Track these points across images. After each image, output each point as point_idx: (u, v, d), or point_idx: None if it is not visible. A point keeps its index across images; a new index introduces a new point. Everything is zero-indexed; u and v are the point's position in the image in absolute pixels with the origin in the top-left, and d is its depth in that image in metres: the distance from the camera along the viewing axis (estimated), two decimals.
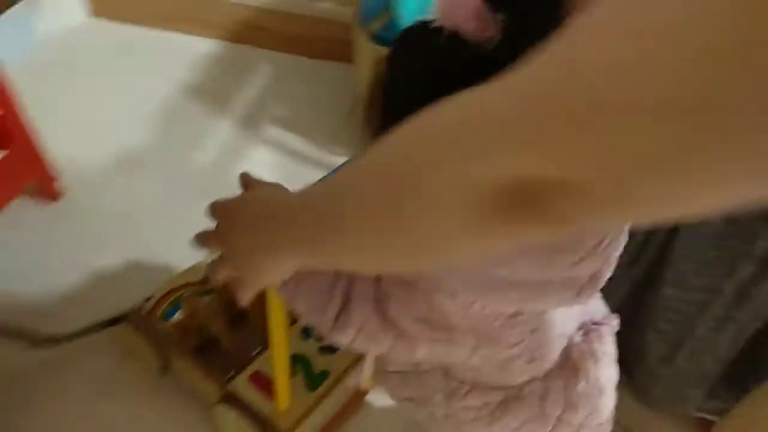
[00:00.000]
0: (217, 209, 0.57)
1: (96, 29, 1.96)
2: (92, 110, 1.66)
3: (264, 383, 1.02)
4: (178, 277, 1.18)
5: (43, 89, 1.63)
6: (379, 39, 1.42)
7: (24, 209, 1.39)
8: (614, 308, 1.13)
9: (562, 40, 0.29)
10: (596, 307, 0.72)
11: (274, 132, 1.68)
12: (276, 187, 0.57)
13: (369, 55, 1.45)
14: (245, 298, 0.57)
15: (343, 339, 0.61)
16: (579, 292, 0.57)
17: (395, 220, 0.38)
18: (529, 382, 0.66)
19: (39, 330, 1.04)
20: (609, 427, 0.73)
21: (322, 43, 1.84)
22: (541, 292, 0.56)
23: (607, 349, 0.69)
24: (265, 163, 1.58)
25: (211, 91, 1.78)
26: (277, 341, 0.89)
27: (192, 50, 1.90)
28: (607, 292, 1.09)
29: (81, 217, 1.41)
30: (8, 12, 1.79)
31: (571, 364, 0.66)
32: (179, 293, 1.15)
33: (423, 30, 0.57)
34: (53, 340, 1.05)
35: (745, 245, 0.91)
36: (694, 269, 0.98)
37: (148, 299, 1.14)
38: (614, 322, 0.69)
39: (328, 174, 0.75)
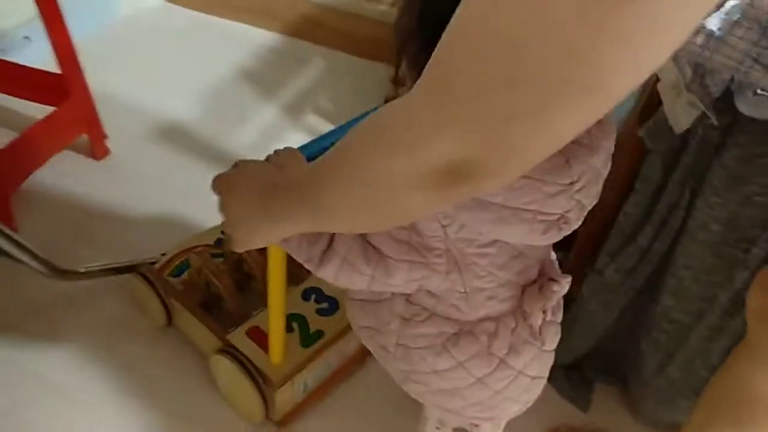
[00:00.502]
0: (217, 181, 0.66)
1: (169, 13, 2.10)
2: (151, 84, 1.77)
3: (261, 338, 1.06)
4: (192, 239, 1.24)
5: (112, 60, 1.78)
6: None
7: (71, 161, 1.50)
8: (615, 318, 1.11)
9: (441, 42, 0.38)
10: (553, 267, 0.73)
11: (315, 121, 1.75)
12: (264, 165, 0.66)
13: None
14: (238, 251, 0.69)
15: (329, 270, 0.66)
16: (546, 230, 0.60)
17: (365, 198, 0.47)
18: (482, 319, 0.69)
19: (56, 263, 1.12)
20: (542, 384, 0.75)
21: (373, 43, 1.89)
22: (512, 218, 0.59)
23: (556, 305, 0.73)
24: None
25: (263, 78, 1.87)
26: (274, 295, 0.93)
27: (252, 40, 2.00)
28: (609, 301, 1.09)
29: (120, 176, 1.51)
30: None
31: (522, 310, 0.69)
32: (191, 252, 1.21)
33: None
34: (70, 274, 1.13)
35: (742, 253, 0.89)
36: (692, 277, 0.96)
37: (163, 254, 1.21)
38: (567, 281, 0.70)
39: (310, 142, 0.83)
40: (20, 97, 1.48)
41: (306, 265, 0.67)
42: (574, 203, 0.60)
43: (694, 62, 0.80)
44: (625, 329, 1.13)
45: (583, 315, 1.14)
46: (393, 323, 0.73)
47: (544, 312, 0.70)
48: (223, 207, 0.66)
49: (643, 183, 0.99)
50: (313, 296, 1.15)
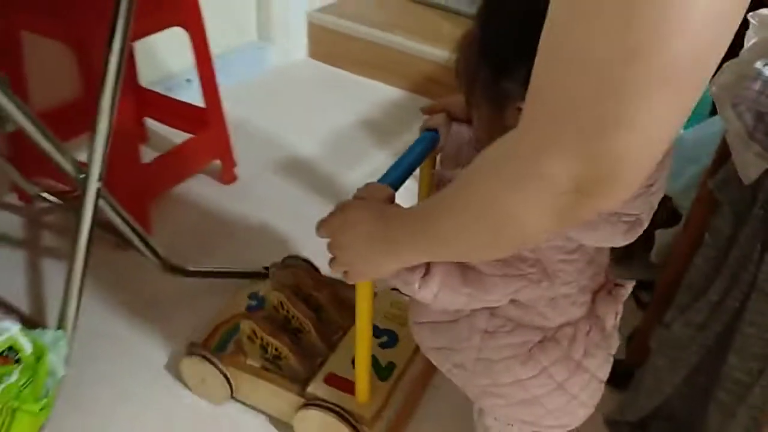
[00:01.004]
0: (329, 225, 0.72)
1: (311, 67, 2.35)
2: (282, 124, 1.99)
3: (340, 383, 1.09)
4: (225, 310, 1.26)
5: (255, 102, 2.04)
6: None
7: (204, 183, 1.72)
8: (684, 377, 1.07)
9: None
10: (611, 274, 0.77)
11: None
12: (364, 203, 0.72)
13: None
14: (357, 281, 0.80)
15: (428, 294, 0.69)
16: (627, 231, 0.65)
17: (490, 230, 0.52)
18: (563, 325, 0.73)
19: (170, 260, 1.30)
20: (603, 388, 0.79)
21: None
22: (599, 220, 0.63)
23: (621, 309, 0.77)
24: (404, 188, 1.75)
25: (381, 128, 2.02)
26: (362, 332, 0.96)
27: (378, 94, 2.19)
28: (677, 358, 1.05)
29: (244, 200, 1.70)
30: (250, 42, 2.26)
31: (596, 315, 0.74)
32: (229, 324, 1.22)
33: None
34: (179, 270, 1.30)
35: None
36: (757, 335, 0.92)
37: (266, 268, 1.31)
38: (632, 284, 0.75)
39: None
40: (172, 126, 1.75)
41: (405, 290, 0.71)
42: (647, 205, 0.66)
43: (756, 110, 0.80)
44: (695, 391, 1.08)
45: (650, 371, 1.11)
46: (473, 339, 0.76)
47: (615, 315, 0.75)
48: (337, 247, 0.71)
49: (713, 236, 0.97)
50: (375, 332, 1.17)
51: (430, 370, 1.21)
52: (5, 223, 1.56)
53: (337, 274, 0.78)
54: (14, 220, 1.57)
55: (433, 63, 2.11)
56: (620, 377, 1.26)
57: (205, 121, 1.62)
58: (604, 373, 0.77)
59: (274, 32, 2.27)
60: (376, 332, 1.18)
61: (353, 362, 1.05)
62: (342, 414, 1.05)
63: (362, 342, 0.97)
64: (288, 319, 1.20)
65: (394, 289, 1.00)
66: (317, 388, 1.09)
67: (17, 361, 1.01)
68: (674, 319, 1.05)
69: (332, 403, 1.06)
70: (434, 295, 0.69)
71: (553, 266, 0.69)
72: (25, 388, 1.00)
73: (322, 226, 0.73)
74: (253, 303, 1.28)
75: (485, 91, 0.67)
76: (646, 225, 0.66)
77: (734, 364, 0.96)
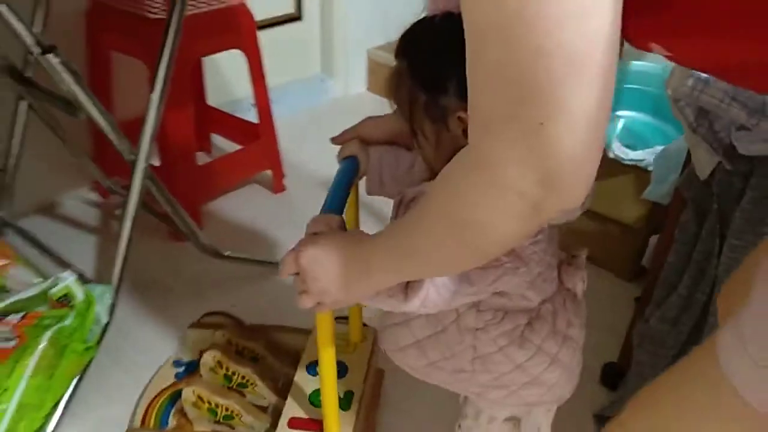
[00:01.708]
0: (296, 260, 0.73)
1: (368, 100, 2.55)
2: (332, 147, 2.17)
3: (305, 423, 1.07)
4: (150, 390, 1.25)
5: (311, 127, 2.24)
6: None
7: (254, 191, 1.93)
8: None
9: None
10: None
11: None
12: (331, 234, 0.75)
13: None
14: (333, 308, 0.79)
15: (416, 301, 0.71)
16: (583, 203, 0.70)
17: (462, 243, 0.55)
18: (543, 302, 0.79)
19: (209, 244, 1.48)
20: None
21: None
22: None
23: (585, 275, 0.83)
24: None
25: None
26: (326, 366, 0.93)
27: None
28: (655, 353, 1.10)
29: (290, 208, 1.88)
30: (314, 75, 2.49)
31: (565, 286, 0.82)
32: (161, 399, 1.23)
33: (423, 22, 0.79)
34: (219, 254, 1.48)
35: None
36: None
37: None
38: (584, 251, 0.82)
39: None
40: (230, 139, 1.99)
41: (388, 306, 0.74)
42: None
43: (696, 105, 0.89)
44: None
45: (633, 367, 1.16)
46: (466, 339, 0.80)
47: (582, 282, 0.82)
48: (309, 279, 0.72)
49: (681, 232, 1.04)
50: (316, 368, 1.12)
51: (379, 387, 1.28)
52: (85, 213, 1.81)
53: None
54: (92, 211, 1.82)
55: None
56: (612, 377, 1.32)
57: (257, 134, 1.83)
58: (583, 339, 0.83)
59: (337, 67, 2.50)
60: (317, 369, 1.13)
61: (311, 401, 1.07)
62: None
63: (328, 375, 0.94)
64: (229, 377, 1.20)
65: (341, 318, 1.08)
66: None
67: (71, 307, 1.20)
68: (651, 314, 1.11)
69: None
70: (422, 301, 0.71)
71: (526, 251, 0.73)
72: (75, 330, 1.20)
73: (288, 263, 0.74)
74: (180, 370, 1.28)
75: (427, 112, 0.73)
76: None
77: None
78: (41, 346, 1.14)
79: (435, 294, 0.71)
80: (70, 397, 1.19)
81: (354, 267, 0.70)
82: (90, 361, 1.22)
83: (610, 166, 1.44)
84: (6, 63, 1.33)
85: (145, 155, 1.20)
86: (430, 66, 0.73)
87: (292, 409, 1.08)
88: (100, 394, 1.27)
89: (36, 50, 1.04)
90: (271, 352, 1.25)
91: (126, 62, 1.68)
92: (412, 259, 0.63)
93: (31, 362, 1.13)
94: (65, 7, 1.56)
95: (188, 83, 1.65)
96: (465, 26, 0.46)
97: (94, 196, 1.87)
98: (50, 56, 1.05)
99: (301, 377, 1.10)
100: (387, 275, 0.68)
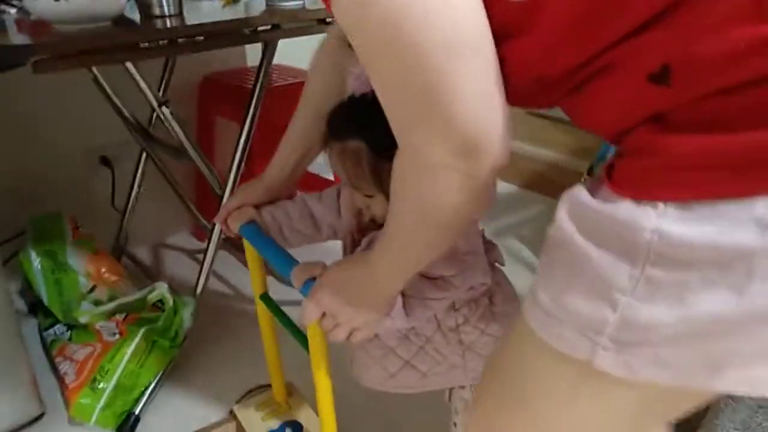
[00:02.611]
0: (318, 304, 0.80)
1: None
2: None
3: None
4: None
5: None
6: None
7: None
8: None
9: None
10: None
11: (517, 247, 2.12)
12: (334, 268, 0.83)
13: None
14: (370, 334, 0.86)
15: (416, 316, 0.85)
16: None
17: (428, 228, 0.65)
18: (481, 290, 0.91)
19: None
20: None
21: None
22: None
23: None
24: None
25: (493, 215, 2.34)
26: (323, 401, 0.97)
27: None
28: None
29: None
30: None
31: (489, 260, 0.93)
32: None
33: (354, 101, 0.84)
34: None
35: None
36: None
37: None
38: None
39: None
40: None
41: (392, 321, 0.84)
42: None
43: None
44: None
45: None
46: (452, 338, 0.93)
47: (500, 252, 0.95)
48: (336, 314, 0.80)
49: None
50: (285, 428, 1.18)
51: None
52: (184, 247, 2.13)
53: None
54: (189, 247, 2.14)
55: (542, 162, 2.43)
56: None
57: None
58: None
59: None
60: (282, 427, 1.18)
61: None
62: None
63: (326, 410, 0.98)
64: None
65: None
66: None
67: (162, 311, 1.46)
68: None
69: None
70: (421, 314, 0.85)
71: (477, 242, 0.88)
72: (164, 330, 1.45)
73: (310, 309, 0.81)
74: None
75: (381, 155, 0.80)
76: None
77: None
78: (136, 340, 1.40)
79: (429, 305, 0.85)
80: (155, 386, 1.43)
81: (364, 282, 0.77)
82: (173, 358, 1.46)
83: None
84: (136, 122, 1.69)
85: (230, 189, 1.48)
86: (391, 137, 0.71)
87: None
88: (180, 388, 1.50)
89: (155, 103, 1.35)
90: None
91: (227, 126, 2.02)
92: (403, 254, 0.71)
93: (128, 352, 1.39)
94: (183, 80, 1.92)
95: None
96: (358, 57, 0.55)
97: (192, 239, 2.19)
98: (164, 108, 1.36)
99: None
100: (393, 278, 0.76)
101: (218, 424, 1.22)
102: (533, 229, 2.23)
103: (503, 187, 2.53)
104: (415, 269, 0.76)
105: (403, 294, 0.84)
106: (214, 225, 1.51)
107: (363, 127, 0.82)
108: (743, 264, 0.46)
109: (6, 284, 1.27)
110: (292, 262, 0.89)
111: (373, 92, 0.78)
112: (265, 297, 1.10)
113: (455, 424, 1.12)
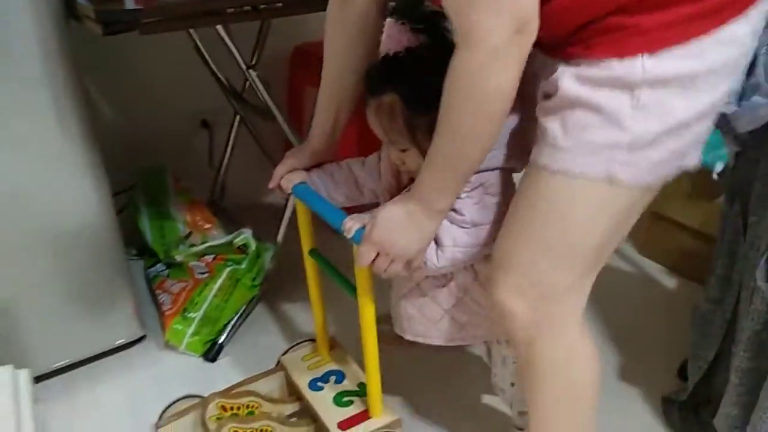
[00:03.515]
0: (371, 241, 0.89)
1: None
2: None
3: (351, 420, 1.16)
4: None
5: None
6: None
7: None
8: (716, 353, 1.19)
9: None
10: None
11: None
12: (380, 209, 0.91)
13: None
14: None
15: (447, 255, 0.96)
16: None
17: (484, 122, 0.79)
18: None
19: None
20: None
21: None
22: None
23: None
24: None
25: None
26: (369, 348, 1.06)
27: None
28: (706, 333, 1.21)
29: None
30: None
31: None
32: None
33: (389, 59, 0.95)
34: None
35: None
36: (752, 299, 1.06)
37: None
38: None
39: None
40: None
41: (427, 266, 0.95)
42: None
43: None
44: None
45: (689, 347, 1.27)
46: (478, 289, 1.05)
47: None
48: (389, 245, 0.88)
49: (722, 216, 1.17)
50: (317, 383, 1.26)
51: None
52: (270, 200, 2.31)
53: None
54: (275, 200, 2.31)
55: None
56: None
57: None
58: None
59: None
60: (316, 381, 1.26)
61: (337, 404, 1.19)
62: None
63: (371, 357, 1.07)
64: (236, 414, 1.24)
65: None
66: None
67: (246, 254, 1.64)
68: (701, 296, 1.23)
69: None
70: (452, 257, 0.95)
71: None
72: (247, 271, 1.63)
73: (365, 250, 0.89)
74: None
75: (430, 130, 0.84)
76: None
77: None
78: (222, 278, 1.59)
79: (460, 253, 0.95)
80: (238, 320, 1.61)
81: (413, 210, 0.86)
82: (255, 297, 1.64)
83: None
84: (231, 87, 1.87)
85: None
86: (423, 92, 0.86)
87: (329, 416, 1.16)
88: (259, 324, 1.67)
89: (243, 66, 1.51)
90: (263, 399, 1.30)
91: (315, 94, 2.17)
92: (450, 161, 0.82)
93: (215, 287, 1.58)
94: (276, 49, 2.08)
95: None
96: None
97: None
98: (251, 71, 1.52)
99: (312, 396, 1.23)
100: (441, 190, 0.85)
101: (268, 373, 1.35)
102: None
103: None
104: (461, 179, 0.86)
105: (437, 243, 0.94)
106: None
107: (397, 82, 0.91)
108: (693, 81, 0.74)
109: (117, 228, 1.48)
110: (342, 214, 0.97)
111: (405, 50, 0.92)
112: (314, 252, 1.20)
113: (495, 378, 1.20)
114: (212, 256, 1.65)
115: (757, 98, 0.97)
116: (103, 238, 1.43)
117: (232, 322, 1.60)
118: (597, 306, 1.62)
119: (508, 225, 0.89)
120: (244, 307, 1.62)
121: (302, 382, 1.26)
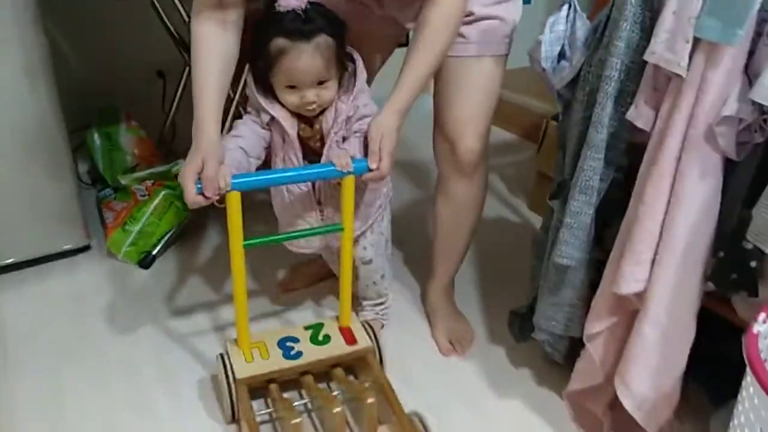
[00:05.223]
0: (391, 151, 1.17)
1: None
2: (416, 148, 2.74)
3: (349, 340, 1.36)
4: None
5: None
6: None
7: None
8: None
9: None
10: None
11: (495, 182, 2.43)
12: (384, 119, 1.18)
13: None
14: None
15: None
16: None
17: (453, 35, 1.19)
18: None
19: None
20: None
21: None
22: None
23: None
24: None
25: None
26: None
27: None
28: (541, 258, 1.49)
29: None
30: None
31: None
32: None
33: (311, 9, 1.15)
34: None
35: None
36: None
37: None
38: None
39: None
40: None
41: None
42: None
43: None
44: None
45: (530, 271, 1.55)
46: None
47: None
48: (390, 143, 1.16)
49: (555, 165, 1.46)
50: (287, 343, 1.34)
51: None
52: None
53: None
54: None
55: (534, 113, 2.72)
56: None
57: None
58: None
59: None
60: (286, 341, 1.34)
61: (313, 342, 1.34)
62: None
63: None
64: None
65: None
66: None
67: None
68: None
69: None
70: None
71: None
72: (180, 195, 1.89)
73: (389, 156, 1.17)
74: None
75: (340, 59, 1.19)
76: None
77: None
78: (158, 199, 1.86)
79: None
80: (169, 237, 1.88)
81: (400, 116, 1.17)
82: (185, 218, 1.91)
83: None
84: (182, 40, 2.12)
85: None
86: (341, 30, 1.18)
87: (332, 353, 1.33)
88: (186, 241, 1.95)
89: (186, 18, 1.77)
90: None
91: None
92: (429, 67, 1.18)
93: (151, 206, 1.85)
94: None
95: None
96: None
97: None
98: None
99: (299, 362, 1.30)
100: (415, 96, 1.18)
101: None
102: (516, 170, 2.53)
103: (504, 135, 2.83)
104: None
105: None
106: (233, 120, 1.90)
107: (323, 26, 1.13)
108: None
109: (68, 145, 1.75)
110: (320, 163, 1.22)
111: (308, 3, 1.14)
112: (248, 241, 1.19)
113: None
114: (152, 181, 1.92)
115: (563, 62, 1.25)
116: (55, 151, 1.71)
117: (165, 238, 1.87)
118: (493, 250, 1.93)
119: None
120: (175, 227, 1.89)
121: (277, 365, 1.29)
